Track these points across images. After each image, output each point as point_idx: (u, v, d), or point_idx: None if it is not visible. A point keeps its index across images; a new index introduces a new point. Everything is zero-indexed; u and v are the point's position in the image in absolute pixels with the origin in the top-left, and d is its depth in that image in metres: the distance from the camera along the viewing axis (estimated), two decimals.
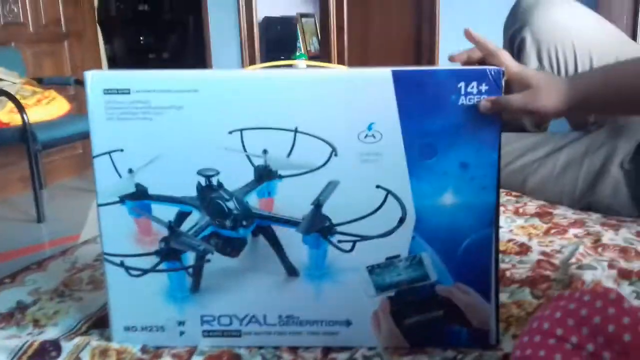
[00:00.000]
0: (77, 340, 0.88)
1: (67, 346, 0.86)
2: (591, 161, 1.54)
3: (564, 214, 1.48)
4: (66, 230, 1.76)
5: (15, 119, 2.03)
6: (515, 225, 1.40)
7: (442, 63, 3.06)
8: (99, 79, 0.81)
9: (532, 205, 1.55)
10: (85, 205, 1.86)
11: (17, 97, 2.04)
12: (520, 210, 1.52)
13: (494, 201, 0.81)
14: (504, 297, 0.99)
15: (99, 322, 0.95)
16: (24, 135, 1.98)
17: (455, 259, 0.83)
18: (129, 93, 0.80)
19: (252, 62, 3.25)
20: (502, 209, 1.51)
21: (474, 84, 0.78)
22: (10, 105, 2.05)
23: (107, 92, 0.80)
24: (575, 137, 1.63)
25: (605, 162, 1.51)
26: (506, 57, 0.90)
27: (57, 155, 2.56)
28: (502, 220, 1.42)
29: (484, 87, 0.78)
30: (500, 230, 1.34)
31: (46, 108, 2.22)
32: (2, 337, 0.92)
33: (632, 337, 0.52)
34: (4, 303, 1.06)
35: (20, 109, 1.99)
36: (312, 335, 0.86)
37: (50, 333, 0.93)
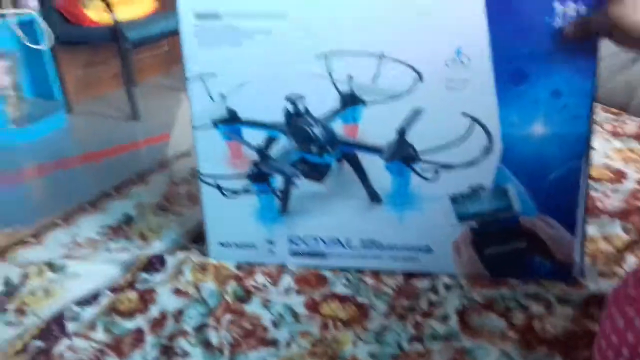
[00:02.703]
0: (180, 255, 0.97)
1: (171, 261, 0.95)
2: None
3: None
4: (158, 128, 1.81)
5: (104, 18, 2.06)
6: (611, 147, 1.32)
7: None
8: (190, 2, 0.82)
9: (632, 124, 1.45)
10: (174, 103, 1.91)
11: None
12: (619, 130, 1.42)
13: (586, 132, 0.77)
14: (592, 230, 0.96)
15: (198, 238, 1.02)
16: (114, 34, 2.00)
17: (542, 190, 0.81)
18: (218, 17, 0.82)
19: None
20: (597, 128, 1.43)
21: (571, 4, 0.72)
22: (99, 3, 2.07)
23: (199, 16, 0.82)
24: None
25: None
26: None
27: (145, 53, 2.58)
28: (597, 142, 1.34)
29: (581, 8, 0.72)
30: (594, 154, 1.27)
31: (132, 6, 2.24)
32: (114, 249, 1.03)
33: None
34: (113, 215, 1.16)
35: (109, 7, 2.00)
36: (393, 260, 0.89)
37: (156, 247, 1.02)
